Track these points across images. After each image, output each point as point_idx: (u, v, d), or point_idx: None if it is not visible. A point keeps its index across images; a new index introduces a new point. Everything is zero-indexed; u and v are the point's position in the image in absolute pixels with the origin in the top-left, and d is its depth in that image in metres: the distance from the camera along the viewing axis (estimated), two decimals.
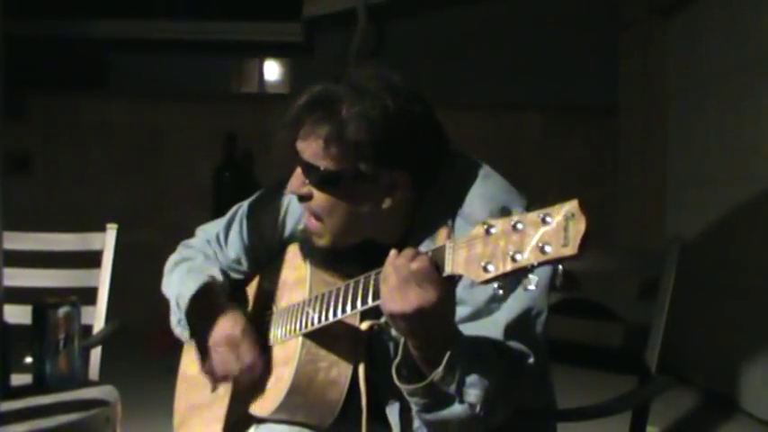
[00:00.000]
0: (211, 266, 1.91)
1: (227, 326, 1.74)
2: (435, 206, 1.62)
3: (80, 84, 7.42)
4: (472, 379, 1.39)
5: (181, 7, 7.81)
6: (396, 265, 1.36)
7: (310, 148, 1.57)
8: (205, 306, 1.79)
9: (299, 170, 1.61)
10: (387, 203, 1.59)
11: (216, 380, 1.78)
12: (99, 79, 7.58)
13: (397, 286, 1.34)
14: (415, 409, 1.46)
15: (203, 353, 1.77)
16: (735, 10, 5.12)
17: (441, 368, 1.37)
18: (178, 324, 1.90)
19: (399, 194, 1.59)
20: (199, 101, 7.44)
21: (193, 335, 1.86)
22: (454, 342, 1.38)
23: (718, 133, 5.34)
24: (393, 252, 1.38)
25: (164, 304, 1.96)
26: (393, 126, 1.53)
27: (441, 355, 1.37)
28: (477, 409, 1.40)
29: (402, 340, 1.42)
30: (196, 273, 1.87)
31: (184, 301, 1.84)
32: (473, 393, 1.40)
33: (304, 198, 1.63)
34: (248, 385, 1.74)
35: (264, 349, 1.76)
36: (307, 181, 1.60)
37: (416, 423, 1.59)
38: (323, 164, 1.56)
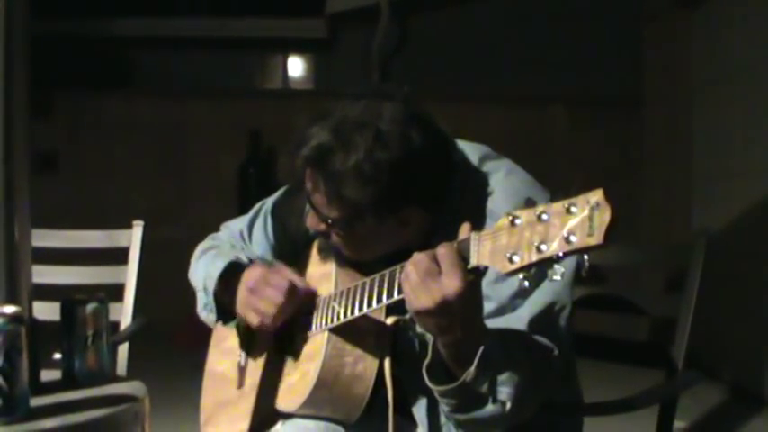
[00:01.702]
0: (238, 253, 1.92)
1: (248, 274, 1.75)
2: (458, 203, 1.61)
3: (105, 82, 7.44)
4: (503, 377, 1.39)
5: (203, 4, 7.82)
6: (416, 261, 1.36)
7: (317, 200, 1.59)
8: (233, 283, 1.79)
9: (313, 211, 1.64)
10: (402, 232, 1.60)
11: (271, 328, 1.73)
12: (123, 77, 7.61)
13: (419, 282, 1.33)
14: (446, 409, 1.46)
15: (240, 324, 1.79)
16: (760, 2, 5.07)
17: (473, 368, 1.36)
18: (204, 308, 1.90)
19: (413, 224, 1.60)
20: (223, 98, 7.45)
21: (221, 316, 1.87)
22: (484, 340, 1.37)
23: (744, 126, 5.29)
24: (415, 253, 1.38)
25: (192, 298, 1.97)
26: (388, 177, 1.51)
27: (471, 353, 1.36)
28: (509, 406, 1.40)
29: (431, 340, 1.42)
30: (224, 255, 1.89)
31: (212, 282, 1.84)
32: (505, 391, 1.39)
33: (323, 235, 1.66)
34: (303, 308, 1.72)
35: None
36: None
37: (443, 418, 1.59)
38: (330, 214, 1.58)
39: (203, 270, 1.90)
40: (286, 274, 1.72)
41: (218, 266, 1.84)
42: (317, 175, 1.56)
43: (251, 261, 1.88)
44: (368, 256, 1.66)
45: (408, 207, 1.57)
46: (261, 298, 1.70)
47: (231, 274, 1.81)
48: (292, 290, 1.70)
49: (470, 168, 1.67)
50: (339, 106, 1.57)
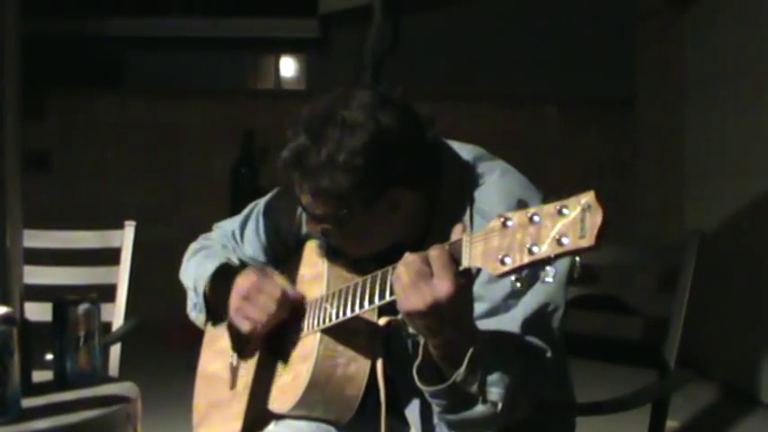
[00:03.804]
0: (230, 254, 1.92)
1: (241, 281, 1.74)
2: (452, 204, 1.62)
3: (97, 82, 7.43)
4: (494, 378, 1.39)
5: (196, 4, 7.81)
6: (407, 262, 1.35)
7: (305, 201, 1.61)
8: (224, 285, 1.79)
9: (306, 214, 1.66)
10: (396, 217, 1.61)
11: (261, 335, 1.75)
12: (116, 77, 7.59)
13: (410, 283, 1.33)
14: (437, 410, 1.46)
15: (232, 325, 1.78)
16: (752, 1, 5.08)
17: (462, 368, 1.36)
18: (194, 308, 1.91)
19: (406, 205, 1.60)
20: (215, 98, 7.44)
21: (211, 317, 1.87)
22: (474, 341, 1.37)
23: (736, 125, 5.30)
24: (407, 253, 1.38)
25: (184, 299, 1.96)
26: (363, 161, 1.52)
27: (461, 354, 1.36)
28: (499, 407, 1.39)
29: (422, 341, 1.42)
30: (215, 257, 1.89)
31: (203, 282, 1.84)
32: (495, 392, 1.39)
33: (324, 235, 1.66)
34: (295, 317, 1.73)
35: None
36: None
37: (436, 419, 1.59)
38: (320, 212, 1.59)
39: (194, 270, 1.90)
40: (278, 282, 1.73)
41: (208, 268, 1.85)
42: (298, 177, 1.58)
43: (242, 263, 1.88)
44: (369, 249, 1.66)
45: (394, 188, 1.57)
46: (253, 306, 1.71)
47: (222, 276, 1.81)
48: (284, 298, 1.71)
49: (460, 161, 1.67)
50: (308, 105, 1.61)
